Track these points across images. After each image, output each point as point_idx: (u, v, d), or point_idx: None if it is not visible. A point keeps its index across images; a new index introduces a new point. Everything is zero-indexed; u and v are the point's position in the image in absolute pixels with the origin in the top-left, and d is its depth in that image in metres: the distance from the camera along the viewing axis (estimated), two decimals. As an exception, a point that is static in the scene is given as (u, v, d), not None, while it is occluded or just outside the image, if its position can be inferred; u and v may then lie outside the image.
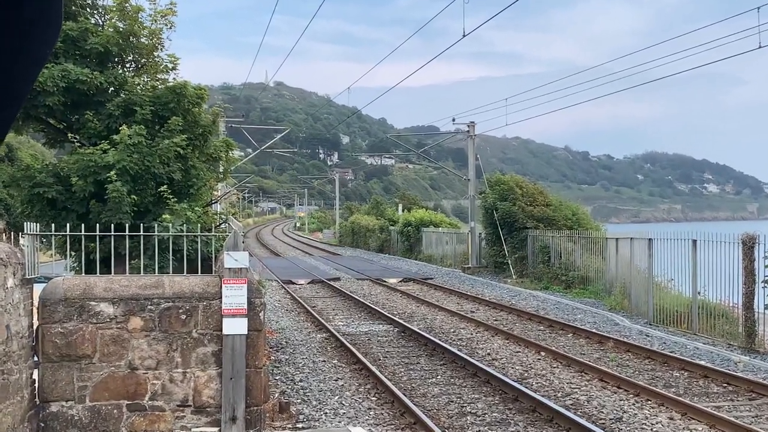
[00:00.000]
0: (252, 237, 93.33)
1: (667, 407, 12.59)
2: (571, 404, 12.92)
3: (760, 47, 22.16)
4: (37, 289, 10.76)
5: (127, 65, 16.32)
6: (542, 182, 60.32)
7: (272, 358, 16.43)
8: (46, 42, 1.45)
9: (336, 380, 14.95)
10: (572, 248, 31.85)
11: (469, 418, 12.21)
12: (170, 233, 12.34)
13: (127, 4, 15.65)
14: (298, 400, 13.31)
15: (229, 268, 10.85)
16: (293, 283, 34.59)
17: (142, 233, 12.13)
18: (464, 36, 25.36)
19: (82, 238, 11.81)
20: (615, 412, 12.43)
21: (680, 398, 12.86)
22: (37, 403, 10.57)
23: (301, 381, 14.85)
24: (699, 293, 20.74)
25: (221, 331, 10.80)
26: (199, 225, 13.25)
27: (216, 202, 20.01)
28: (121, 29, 15.53)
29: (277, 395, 13.33)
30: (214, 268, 11.93)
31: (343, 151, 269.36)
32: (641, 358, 16.88)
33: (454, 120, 45.31)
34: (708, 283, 20.58)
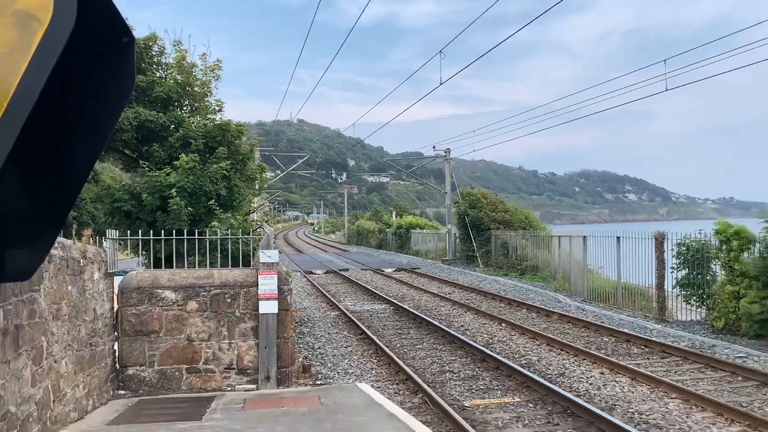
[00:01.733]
0: (281, 238, 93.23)
1: (598, 364, 12.60)
2: (526, 363, 12.93)
3: (666, 90, 22.29)
4: (117, 280, 10.77)
5: (184, 108, 16.32)
6: (502, 194, 60.29)
7: (297, 331, 16.42)
8: (124, 92, 1.47)
9: (346, 347, 14.94)
10: (525, 244, 31.88)
11: (447, 374, 12.22)
12: (218, 236, 12.34)
13: (183, 62, 15.65)
14: (317, 363, 13.30)
15: (264, 263, 10.86)
16: (312, 273, 34.57)
17: (196, 237, 12.14)
18: (441, 83, 25.44)
19: (151, 241, 11.81)
20: (559, 368, 12.44)
21: (609, 357, 12.87)
22: (117, 367, 10.56)
23: (319, 348, 14.84)
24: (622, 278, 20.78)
25: (258, 311, 10.81)
26: (240, 230, 13.23)
27: (253, 212, 19.98)
28: (179, 81, 15.54)
29: (300, 359, 13.32)
30: (252, 263, 11.93)
31: (350, 172, 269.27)
32: (579, 327, 16.89)
33: (434, 147, 45.47)
34: (629, 270, 20.64)
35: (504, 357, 13.21)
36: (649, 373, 11.53)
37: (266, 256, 10.85)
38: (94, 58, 1.39)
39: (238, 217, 14.58)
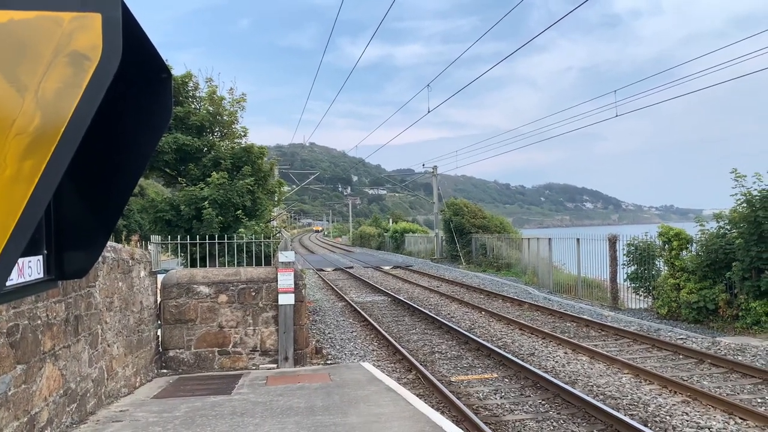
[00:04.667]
0: (296, 242, 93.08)
1: (562, 346, 12.56)
2: (502, 345, 12.88)
3: (617, 116, 22.33)
4: (159, 277, 10.73)
5: (215, 134, 16.32)
6: (480, 203, 60.34)
7: (310, 319, 16.36)
8: (163, 120, 1.46)
9: (351, 332, 14.89)
10: (500, 245, 31.85)
11: (437, 355, 12.17)
12: (244, 240, 12.32)
13: (214, 95, 15.67)
14: (327, 346, 13.25)
15: (282, 262, 10.83)
16: (323, 271, 34.50)
17: (226, 241, 12.11)
18: (429, 112, 25.48)
19: (188, 245, 11.78)
20: (529, 349, 12.40)
21: (571, 340, 12.84)
22: (160, 350, 10.50)
23: (329, 333, 14.79)
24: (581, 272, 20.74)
25: (278, 302, 10.77)
26: (262, 235, 13.21)
27: (272, 220, 19.97)
28: (210, 111, 15.54)
29: (313, 342, 13.27)
30: (272, 262, 11.90)
31: (354, 186, 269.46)
32: (546, 315, 16.86)
33: (423, 165, 45.58)
34: (587, 266, 20.62)
35: (484, 340, 13.17)
36: (605, 352, 11.50)
37: (284, 256, 10.83)
38: (137, 92, 1.38)
39: (260, 224, 14.56)
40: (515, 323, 15.25)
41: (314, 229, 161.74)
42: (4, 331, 5.23)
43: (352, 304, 19.24)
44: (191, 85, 15.91)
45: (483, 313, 17.42)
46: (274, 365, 10.69)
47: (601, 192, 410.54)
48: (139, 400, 8.26)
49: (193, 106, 15.77)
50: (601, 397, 8.85)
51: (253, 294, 10.79)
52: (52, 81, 1.07)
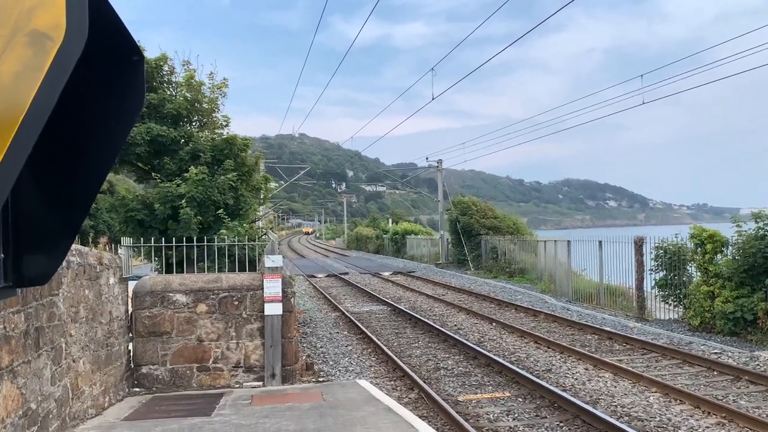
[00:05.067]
0: (284, 244, 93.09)
1: (583, 361, 12.58)
2: (515, 360, 12.90)
3: (643, 103, 22.36)
4: (131, 285, 10.73)
5: (193, 123, 16.30)
6: (491, 201, 60.42)
7: (300, 331, 16.36)
8: (134, 108, 1.46)
9: (346, 346, 14.89)
10: (513, 248, 31.87)
11: (442, 371, 12.18)
12: (225, 243, 12.31)
13: (192, 81, 15.66)
14: (319, 361, 13.25)
15: (268, 267, 10.83)
16: (314, 277, 34.50)
17: (205, 243, 12.10)
18: (433, 99, 25.49)
19: (163, 248, 11.77)
20: (546, 365, 12.41)
21: (593, 354, 12.85)
22: (132, 366, 10.51)
23: (321, 347, 14.79)
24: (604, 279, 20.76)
25: (263, 312, 10.77)
26: (246, 237, 13.19)
27: (258, 220, 19.94)
28: (188, 98, 15.53)
29: (304, 358, 13.27)
30: (257, 268, 11.90)
31: (349, 182, 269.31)
32: (564, 326, 16.87)
33: (427, 158, 45.63)
34: (611, 272, 20.63)
35: (495, 354, 13.18)
36: (630, 368, 11.51)
37: (271, 261, 10.83)
38: (105, 76, 1.38)
39: (244, 224, 14.55)
40: (530, 336, 15.25)
41: (304, 230, 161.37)
42: (-43, 344, 5.23)
43: (347, 314, 19.24)
44: (166, 68, 15.89)
45: (494, 324, 17.43)
46: (260, 383, 10.68)
47: (625, 188, 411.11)
48: (108, 422, 8.25)
49: (168, 93, 15.75)
50: (626, 418, 8.86)
51: (236, 303, 10.79)
52: (9, 63, 1.06)
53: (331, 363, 13.11)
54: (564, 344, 13.91)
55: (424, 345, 14.85)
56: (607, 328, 15.84)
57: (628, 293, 19.91)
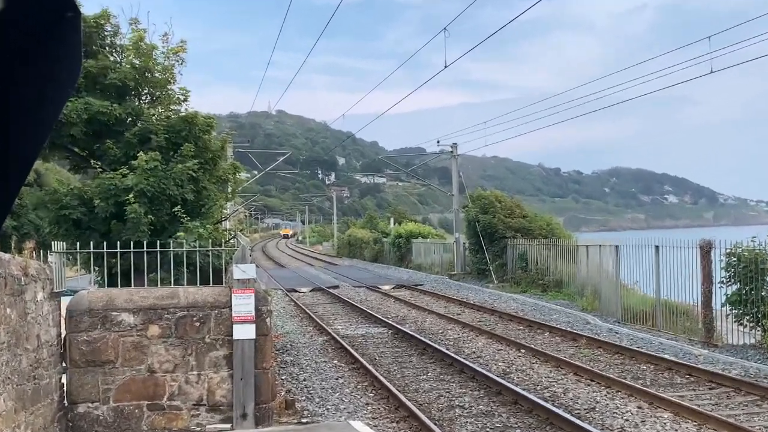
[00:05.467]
0: (258, 250, 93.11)
1: (635, 397, 12.58)
2: (549, 396, 12.90)
3: (711, 72, 22.31)
4: (65, 301, 10.72)
5: (143, 98, 16.30)
6: (519, 196, 60.35)
7: (278, 359, 16.37)
8: (68, 78, 1.46)
9: (336, 379, 14.90)
10: (547, 255, 31.88)
11: (457, 410, 12.18)
12: (184, 249, 12.31)
13: (142, 44, 15.66)
14: (303, 398, 13.26)
15: (238, 279, 10.83)
16: (296, 291, 34.51)
17: (158, 249, 12.10)
18: (446, 67, 25.51)
19: (105, 254, 11.77)
20: (589, 402, 12.42)
21: (647, 389, 12.85)
22: (66, 405, 10.51)
23: (305, 380, 14.79)
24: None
25: (232, 336, 10.77)
26: (210, 240, 13.19)
27: (225, 220, 19.95)
28: (137, 66, 15.53)
29: (283, 393, 13.28)
30: (224, 280, 11.90)
31: (340, 172, 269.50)
32: (611, 354, 16.87)
33: (438, 142, 45.57)
34: (670, 285, 20.60)
35: (524, 389, 13.18)
36: (695, 407, 11.51)
37: (241, 271, 10.82)
38: (31, 38, 1.37)
39: (207, 225, 14.55)
40: (568, 365, 15.25)
41: (282, 232, 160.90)
42: None
43: (338, 338, 19.25)
44: (109, 28, 15.89)
45: (523, 351, 17.43)
46: (228, 425, 10.69)
47: (689, 180, 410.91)
48: (36, 474, 8.24)
49: (111, 59, 15.74)
50: (690, 469, 8.86)
51: (198, 325, 10.79)
52: None
53: (317, 400, 13.12)
54: (611, 376, 13.91)
55: (435, 377, 14.84)
56: (666, 356, 15.84)
57: (692, 312, 19.89)
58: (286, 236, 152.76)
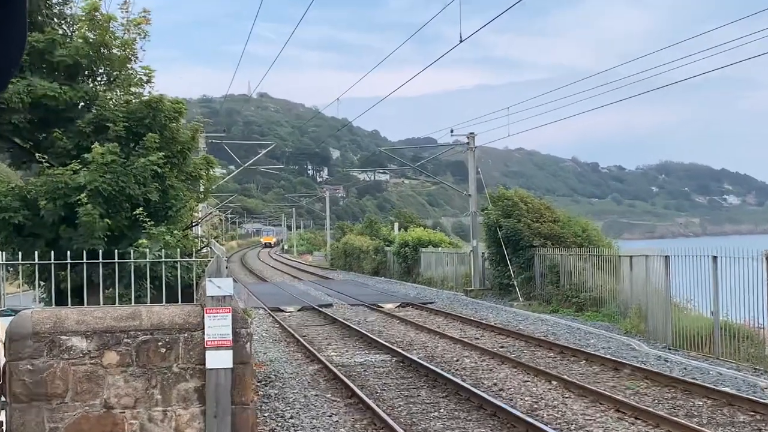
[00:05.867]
0: (236, 261, 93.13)
1: (689, 439, 12.54)
2: (586, 437, 12.86)
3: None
4: (4, 323, 10.72)
5: (99, 79, 16.31)
6: (549, 197, 60.46)
7: (260, 393, 16.35)
8: (10, 55, 1.45)
9: (330, 416, 14.87)
10: (583, 267, 31.84)
11: (475, 454, 12.16)
12: (147, 259, 12.31)
13: (97, 13, 15.66)
14: (289, 439, 13.23)
15: (212, 296, 10.82)
16: (281, 311, 34.46)
17: (116, 260, 12.11)
18: (461, 41, 25.47)
19: (52, 266, 11.77)
20: (633, 445, 12.38)
21: (703, 428, 12.81)
22: (5, 447, 10.49)
23: (291, 418, 14.77)
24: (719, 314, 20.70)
25: (204, 365, 10.75)
26: (178, 250, 13.20)
27: (196, 225, 19.98)
28: (91, 40, 15.53)
29: (266, 434, 13.25)
30: (195, 297, 11.89)
31: (333, 167, 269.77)
32: (660, 386, 16.83)
33: (452, 131, 45.45)
34: (730, 303, 20.55)
35: (555, 429, 13.15)
36: (761, 449, 11.47)
37: (215, 286, 10.82)
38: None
39: (175, 232, 14.57)
40: (609, 400, 15.22)
41: (263, 241, 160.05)
42: None
43: (331, 367, 19.23)
44: (58, -5, 15.91)
45: (554, 383, 17.40)
46: (199, 472, 10.66)
47: (752, 177, 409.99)
48: None
49: (60, 33, 15.76)
50: None
51: (163, 351, 10.77)
52: None
53: (306, 442, 13.09)
54: (661, 413, 13.87)
55: (448, 414, 14.81)
56: (726, 389, 15.80)
57: (758, 335, 19.86)
58: (268, 245, 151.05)
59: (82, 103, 15.33)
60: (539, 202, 39.05)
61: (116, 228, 14.19)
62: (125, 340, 10.72)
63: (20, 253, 12.65)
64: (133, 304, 11.55)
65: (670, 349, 21.79)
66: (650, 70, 36.16)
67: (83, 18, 15.81)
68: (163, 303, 11.55)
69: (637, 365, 18.71)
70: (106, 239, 13.76)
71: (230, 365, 10.77)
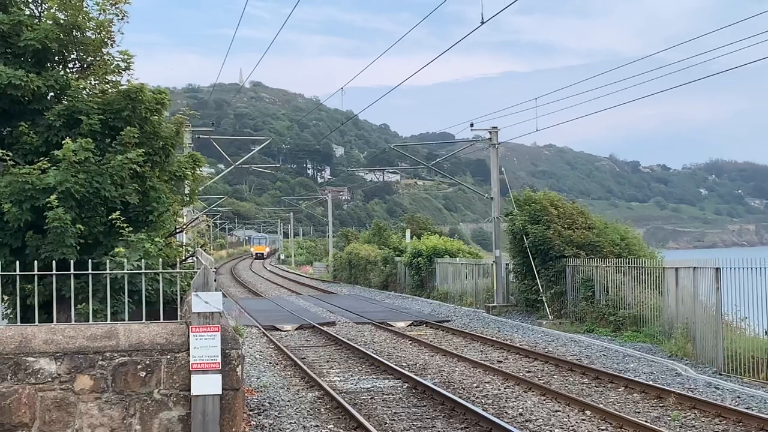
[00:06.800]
0: (226, 273, 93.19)
1: (743, 477, 12.52)
2: (625, 475, 12.84)
3: None
4: (-38, 342, 10.75)
5: (71, 65, 16.35)
6: (582, 200, 60.42)
7: (253, 422, 16.36)
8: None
9: (332, 450, 14.87)
10: (621, 281, 31.75)
11: (498, 494, 12.15)
12: (125, 271, 12.33)
13: (68, -9, 15.71)
14: (286, 475, 13.24)
15: (198, 313, 10.84)
16: (277, 330, 34.45)
17: (90, 271, 12.12)
18: (483, 23, 25.47)
19: (17, 278, 11.79)
20: (679, 483, 12.36)
21: (760, 465, 12.78)
22: (-37, 484, 10.52)
23: (289, 451, 14.77)
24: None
25: (189, 390, 10.77)
26: (160, 260, 13.22)
27: (181, 231, 19.99)
28: (62, 21, 15.56)
29: (259, 469, 13.26)
30: (179, 313, 11.91)
31: (337, 166, 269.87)
32: (710, 417, 16.78)
33: (472, 125, 45.40)
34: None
35: (589, 465, 13.13)
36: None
37: (203, 302, 10.84)
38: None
39: (157, 239, 14.59)
40: (650, 433, 15.19)
41: (253, 250, 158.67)
42: None
43: (333, 394, 19.22)
44: (24, -29, 15.96)
45: (587, 413, 17.37)
46: None
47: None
48: None
49: (27, 13, 15.81)
50: None
51: (143, 375, 10.79)
52: None
53: (305, 479, 13.10)
54: (710, 448, 13.83)
55: (468, 448, 14.80)
56: (785, 421, 15.74)
57: (822, 359, 19.79)
58: (260, 256, 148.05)
59: (52, 93, 15.36)
60: (571, 206, 38.95)
61: (90, 235, 14.20)
62: (100, 362, 10.74)
63: (-19, 263, 12.67)
64: (108, 321, 11.57)
65: (720, 374, 21.73)
66: (700, 56, 35.84)
67: (53, -3, 15.85)
68: (143, 320, 11.57)
69: (684, 393, 18.65)
70: (78, 248, 13.77)
71: (219, 391, 10.79)
